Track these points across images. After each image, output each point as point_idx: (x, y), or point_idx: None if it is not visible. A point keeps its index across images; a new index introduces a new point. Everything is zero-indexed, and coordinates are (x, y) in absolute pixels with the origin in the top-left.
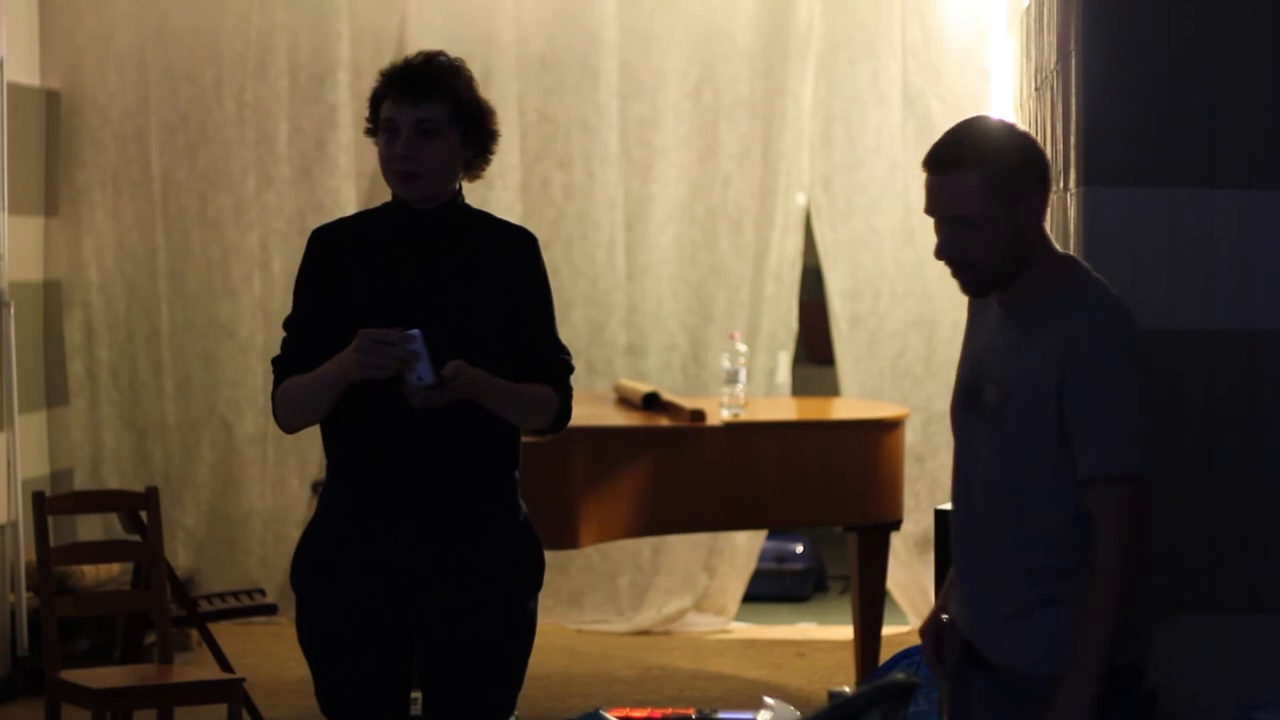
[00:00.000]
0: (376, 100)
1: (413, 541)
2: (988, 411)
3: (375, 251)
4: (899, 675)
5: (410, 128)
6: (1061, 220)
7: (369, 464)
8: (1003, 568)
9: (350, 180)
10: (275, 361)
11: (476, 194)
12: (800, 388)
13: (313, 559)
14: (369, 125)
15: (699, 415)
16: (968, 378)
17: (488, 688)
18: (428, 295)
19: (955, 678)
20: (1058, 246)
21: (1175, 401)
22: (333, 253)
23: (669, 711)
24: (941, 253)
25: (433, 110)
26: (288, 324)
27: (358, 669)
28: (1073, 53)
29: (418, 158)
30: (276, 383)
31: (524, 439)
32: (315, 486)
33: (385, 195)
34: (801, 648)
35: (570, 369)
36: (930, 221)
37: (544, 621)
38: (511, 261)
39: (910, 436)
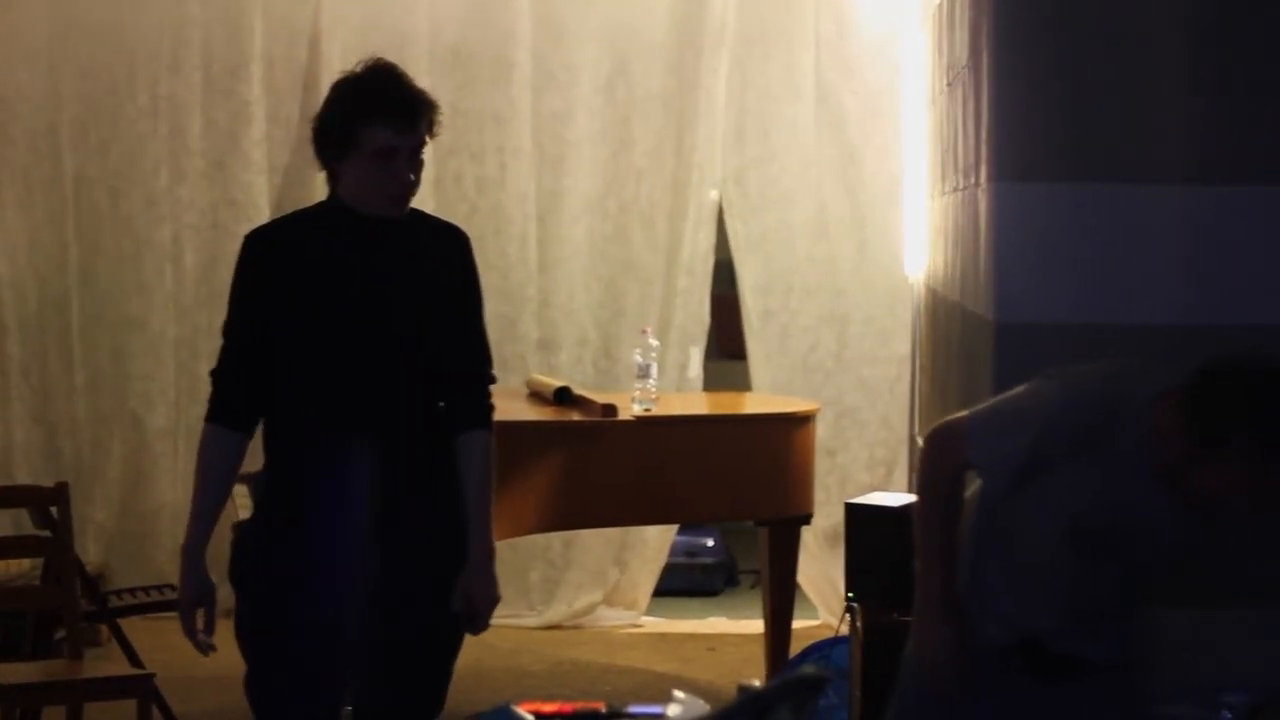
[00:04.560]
0: (349, 120)
1: (349, 539)
2: None
3: (317, 256)
4: (809, 669)
5: (408, 154)
6: (972, 215)
7: (309, 462)
8: None
9: (263, 174)
10: (214, 374)
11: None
12: (712, 382)
13: (252, 554)
14: (321, 139)
15: (611, 410)
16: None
17: (420, 682)
18: (373, 299)
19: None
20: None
21: None
22: (272, 257)
23: (579, 705)
24: None
25: (421, 136)
26: (227, 332)
27: (292, 665)
28: (984, 49)
29: (415, 182)
30: (215, 401)
31: None
32: (243, 478)
33: (297, 189)
34: (712, 642)
35: (493, 381)
36: (843, 215)
37: None
38: (449, 261)
39: (821, 431)
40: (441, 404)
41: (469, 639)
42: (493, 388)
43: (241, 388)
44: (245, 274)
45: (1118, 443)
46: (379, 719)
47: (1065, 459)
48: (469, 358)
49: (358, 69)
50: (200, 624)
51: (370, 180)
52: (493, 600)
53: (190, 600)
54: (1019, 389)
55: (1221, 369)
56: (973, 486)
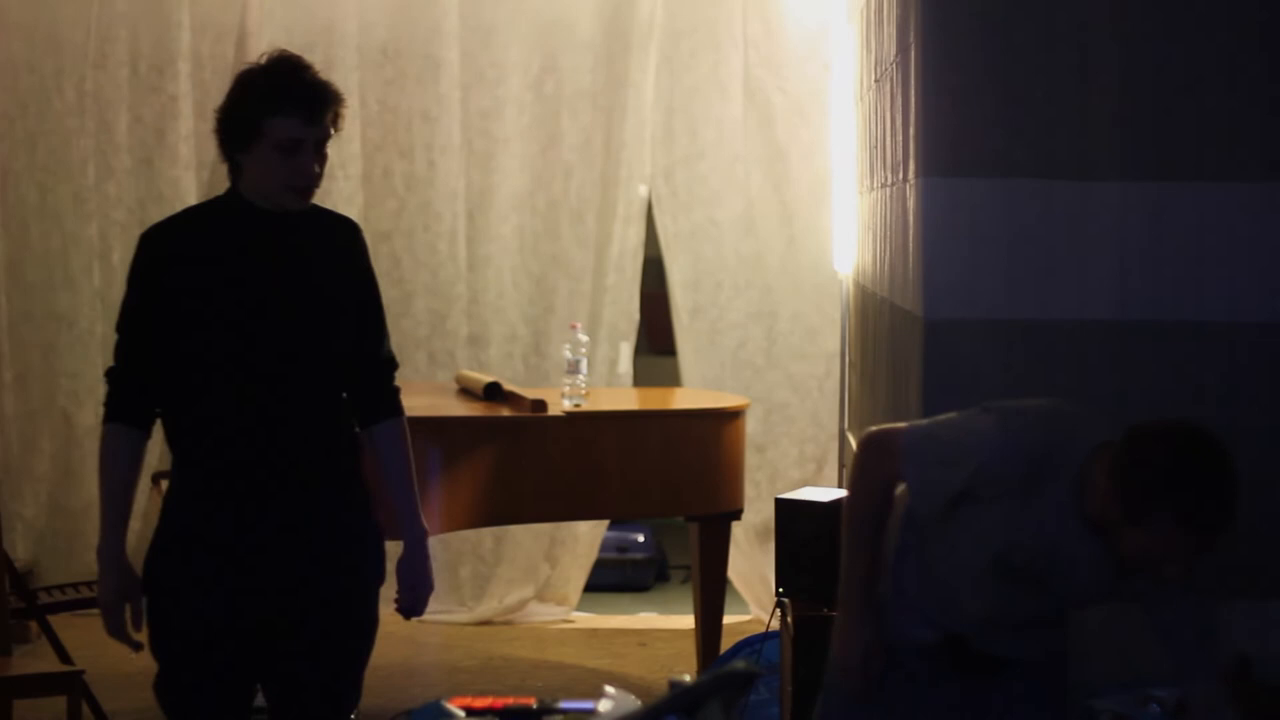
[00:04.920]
0: (253, 112)
1: (259, 537)
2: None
3: (215, 252)
4: (740, 664)
5: (313, 146)
6: (900, 211)
7: (213, 459)
8: None
9: (191, 170)
10: (111, 373)
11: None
12: (642, 378)
13: (162, 555)
14: (224, 131)
15: (540, 405)
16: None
17: (332, 682)
18: (273, 294)
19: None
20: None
21: (1010, 391)
22: (170, 254)
23: (510, 701)
24: None
25: (326, 129)
26: (122, 328)
27: (203, 665)
28: (911, 45)
29: (319, 175)
30: (113, 400)
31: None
32: (156, 479)
33: (224, 185)
34: (643, 637)
35: (396, 366)
36: (771, 212)
37: (385, 611)
38: (346, 253)
39: (751, 426)
40: (345, 395)
41: (399, 635)
42: (422, 384)
43: (140, 386)
44: (142, 271)
45: (1047, 491)
46: (294, 714)
47: (994, 499)
48: (372, 348)
49: (262, 60)
50: (127, 622)
51: (274, 173)
52: (429, 587)
53: (111, 601)
54: (956, 416)
55: (1146, 435)
56: (901, 489)
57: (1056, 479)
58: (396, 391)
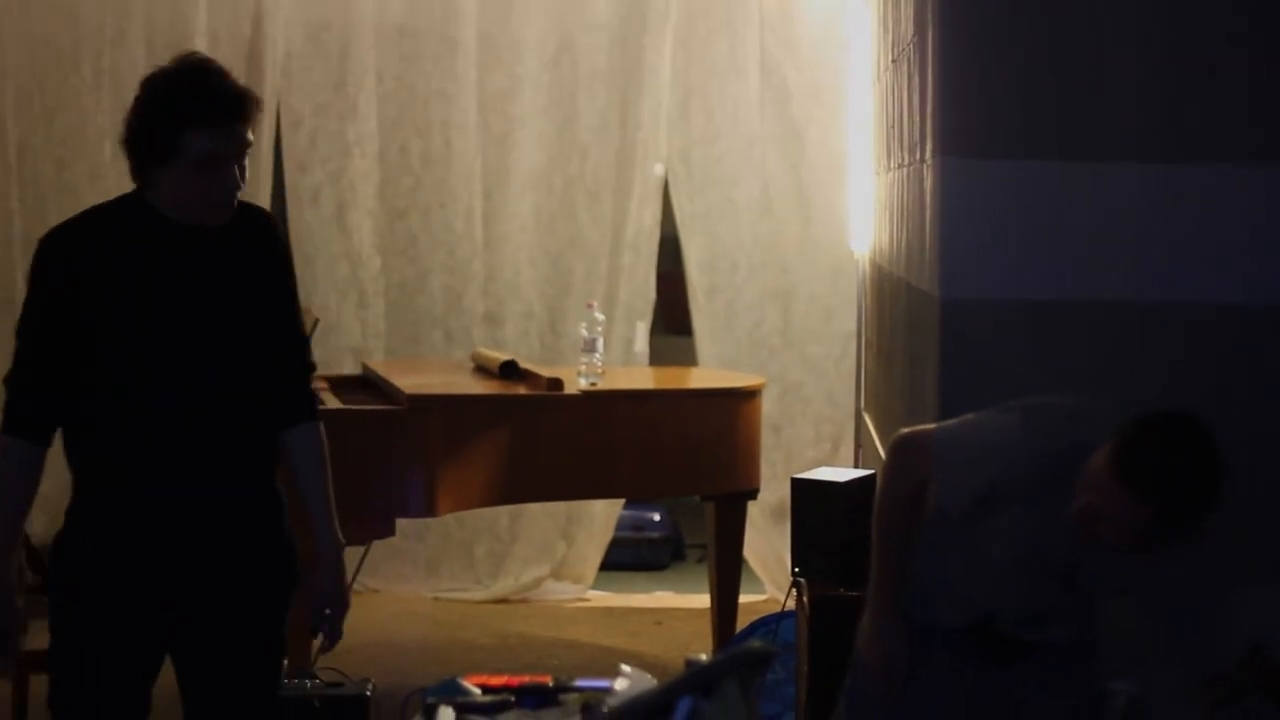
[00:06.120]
0: (171, 126)
1: (166, 550)
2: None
3: (119, 261)
4: (755, 643)
5: (238, 158)
6: (917, 191)
7: (117, 474)
8: None
9: None
10: (9, 381)
11: (334, 161)
12: (658, 358)
13: (65, 570)
14: (136, 146)
15: (556, 384)
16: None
17: (247, 698)
18: (183, 299)
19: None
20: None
21: (1027, 372)
22: (73, 259)
23: (526, 679)
24: None
25: (246, 138)
26: (22, 336)
27: (106, 678)
28: (929, 25)
29: (242, 187)
30: (11, 411)
31: (377, 407)
32: None
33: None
34: (659, 616)
35: (313, 369)
36: (787, 192)
37: (401, 590)
38: (259, 250)
39: (767, 406)
40: (260, 400)
41: (415, 613)
42: (438, 361)
43: (40, 397)
44: (43, 277)
45: (1067, 497)
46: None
47: (1020, 498)
48: (288, 350)
49: (172, 66)
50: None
51: (195, 190)
52: (345, 605)
53: None
54: (981, 416)
55: (1144, 424)
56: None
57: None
58: (313, 395)
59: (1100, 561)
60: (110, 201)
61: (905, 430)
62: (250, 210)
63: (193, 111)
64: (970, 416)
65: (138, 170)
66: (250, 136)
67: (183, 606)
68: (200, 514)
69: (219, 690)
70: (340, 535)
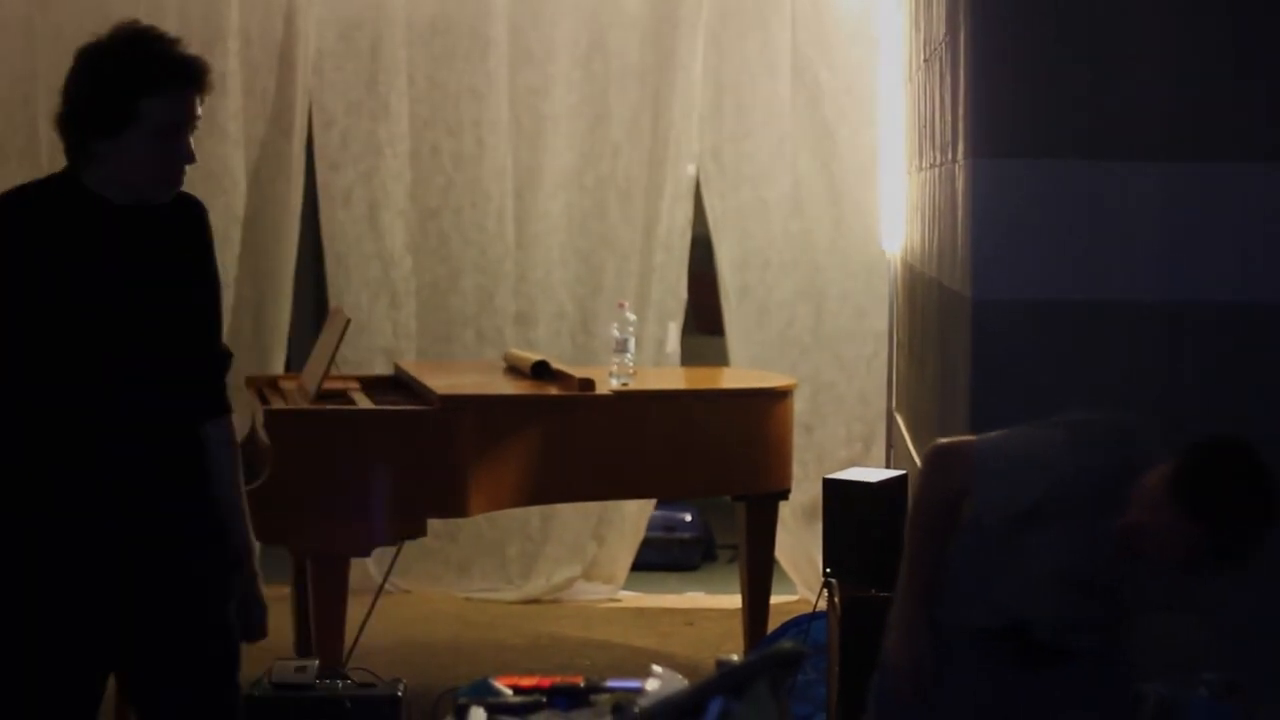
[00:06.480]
0: (127, 91)
1: (101, 560)
2: None
3: (48, 242)
4: (787, 644)
5: (190, 130)
6: (949, 192)
7: (40, 468)
8: None
9: (240, 148)
10: None
11: (366, 161)
12: (689, 358)
13: None
14: (85, 115)
15: (588, 384)
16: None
17: (205, 702)
18: (108, 286)
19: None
20: None
21: (1059, 370)
22: (5, 238)
23: (557, 680)
24: None
25: (199, 107)
26: None
27: (42, 700)
28: (961, 25)
29: (193, 160)
30: None
31: (409, 407)
32: None
33: (275, 164)
34: (690, 616)
35: (230, 361)
36: (819, 191)
37: (433, 590)
38: (186, 239)
39: (799, 406)
40: (180, 393)
41: (446, 613)
42: (470, 362)
43: None
44: None
45: (1118, 511)
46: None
47: (1063, 514)
48: (202, 342)
49: (117, 34)
50: None
51: (149, 160)
52: (262, 606)
53: None
54: (1026, 429)
55: (1206, 450)
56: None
57: (1128, 499)
58: (226, 388)
59: (1144, 577)
60: (40, 180)
61: (945, 440)
62: (184, 197)
63: (150, 77)
64: (1014, 430)
65: (77, 146)
66: (200, 110)
67: (124, 626)
68: (132, 534)
69: (179, 695)
70: (253, 536)
